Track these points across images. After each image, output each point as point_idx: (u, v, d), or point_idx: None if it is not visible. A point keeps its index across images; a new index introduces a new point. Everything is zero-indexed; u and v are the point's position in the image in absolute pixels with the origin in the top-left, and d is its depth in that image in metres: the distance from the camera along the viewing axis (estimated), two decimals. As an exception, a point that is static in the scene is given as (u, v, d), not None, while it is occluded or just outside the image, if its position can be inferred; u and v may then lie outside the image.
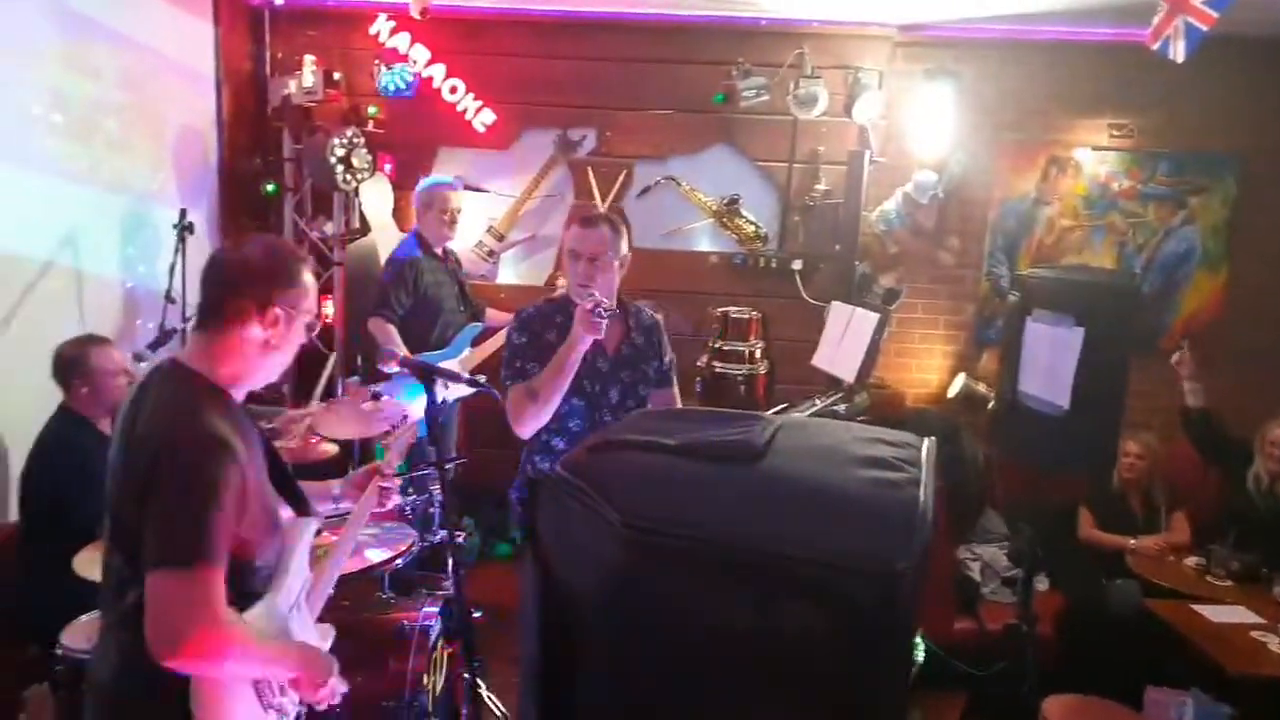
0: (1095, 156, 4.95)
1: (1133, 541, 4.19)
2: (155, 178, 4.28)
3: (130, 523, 1.70)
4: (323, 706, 2.03)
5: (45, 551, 3.00)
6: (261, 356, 1.88)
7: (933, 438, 1.54)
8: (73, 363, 3.12)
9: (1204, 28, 2.89)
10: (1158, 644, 3.63)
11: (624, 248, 2.85)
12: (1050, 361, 3.55)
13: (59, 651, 2.57)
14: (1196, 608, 3.55)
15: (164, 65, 4.32)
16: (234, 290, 1.85)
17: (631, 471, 1.32)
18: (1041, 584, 4.38)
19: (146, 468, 1.69)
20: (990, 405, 4.90)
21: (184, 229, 3.88)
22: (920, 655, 3.54)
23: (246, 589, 1.83)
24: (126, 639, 1.70)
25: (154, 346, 3.58)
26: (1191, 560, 4.02)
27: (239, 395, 1.90)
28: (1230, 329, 4.91)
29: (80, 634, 2.61)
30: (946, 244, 5.11)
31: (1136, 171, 4.94)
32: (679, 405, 2.95)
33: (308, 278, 1.93)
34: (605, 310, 2.65)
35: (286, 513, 2.06)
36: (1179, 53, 2.95)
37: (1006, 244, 5.10)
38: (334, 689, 2.00)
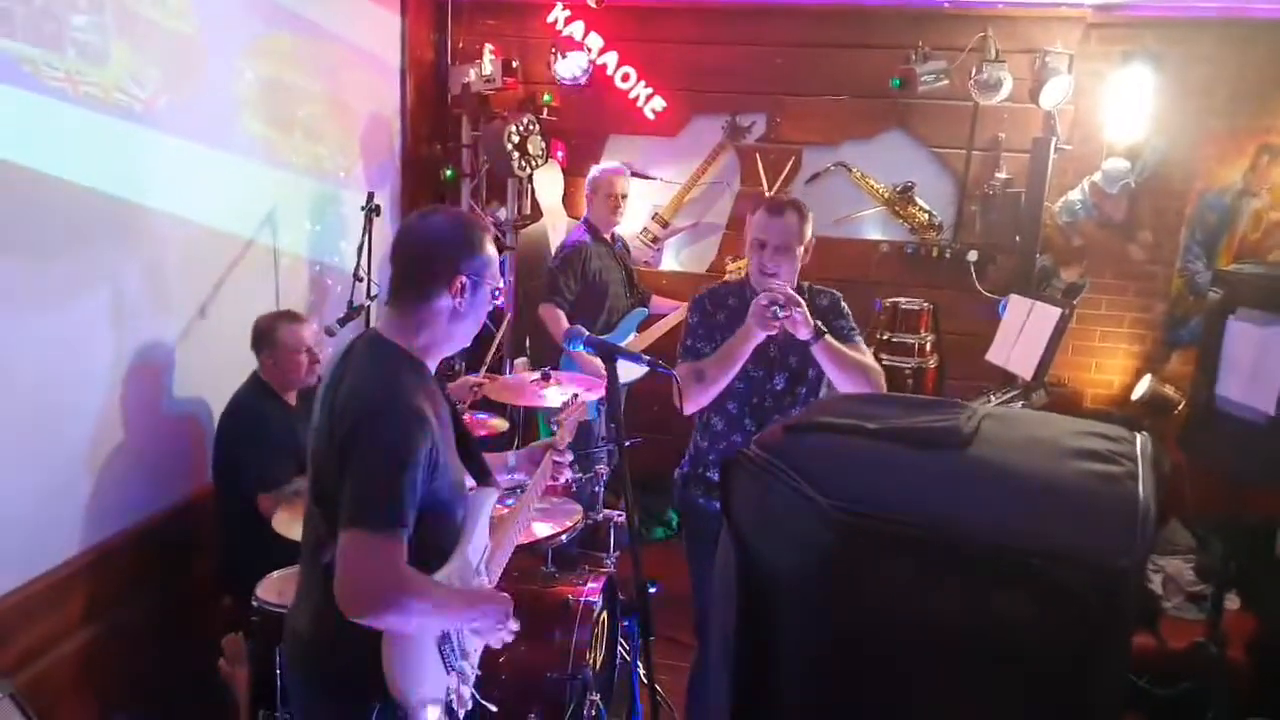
0: (1315, 145, 4.54)
1: (1343, 564, 3.86)
2: (345, 163, 4.50)
3: (329, 484, 1.80)
4: (499, 645, 2.08)
5: (232, 509, 3.24)
6: (451, 325, 1.94)
7: (1146, 433, 1.46)
8: (263, 334, 3.33)
9: None
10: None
11: (809, 234, 2.82)
12: (1256, 365, 3.30)
13: (254, 603, 2.74)
14: None
15: (356, 55, 4.54)
16: (422, 262, 1.93)
17: (833, 454, 1.30)
18: (1232, 603, 4.09)
19: (347, 433, 1.77)
20: (1179, 409, 4.60)
21: (371, 211, 4.05)
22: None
23: (433, 551, 1.90)
24: (322, 594, 1.78)
25: (343, 322, 3.76)
26: None
27: (432, 364, 1.97)
28: None
29: (273, 588, 2.77)
30: (1137, 237, 4.80)
31: (1366, 161, 4.51)
32: (868, 360, 2.87)
33: (490, 247, 1.99)
34: (782, 308, 2.62)
35: (469, 481, 2.15)
36: None
37: (1205, 239, 4.74)
38: (510, 628, 2.05)
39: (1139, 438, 1.41)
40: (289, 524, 2.73)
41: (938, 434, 1.31)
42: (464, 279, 1.91)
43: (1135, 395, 4.77)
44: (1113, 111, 4.58)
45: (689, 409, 2.75)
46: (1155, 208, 4.76)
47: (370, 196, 4.10)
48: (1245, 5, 4.35)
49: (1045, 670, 1.11)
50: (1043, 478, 1.23)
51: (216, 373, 3.48)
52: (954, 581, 1.11)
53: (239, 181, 3.69)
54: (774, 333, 2.67)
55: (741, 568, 1.27)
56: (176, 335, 3.38)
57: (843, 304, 2.97)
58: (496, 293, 2.03)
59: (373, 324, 4.02)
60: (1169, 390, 4.69)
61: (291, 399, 3.39)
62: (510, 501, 2.83)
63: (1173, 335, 4.86)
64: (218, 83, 3.52)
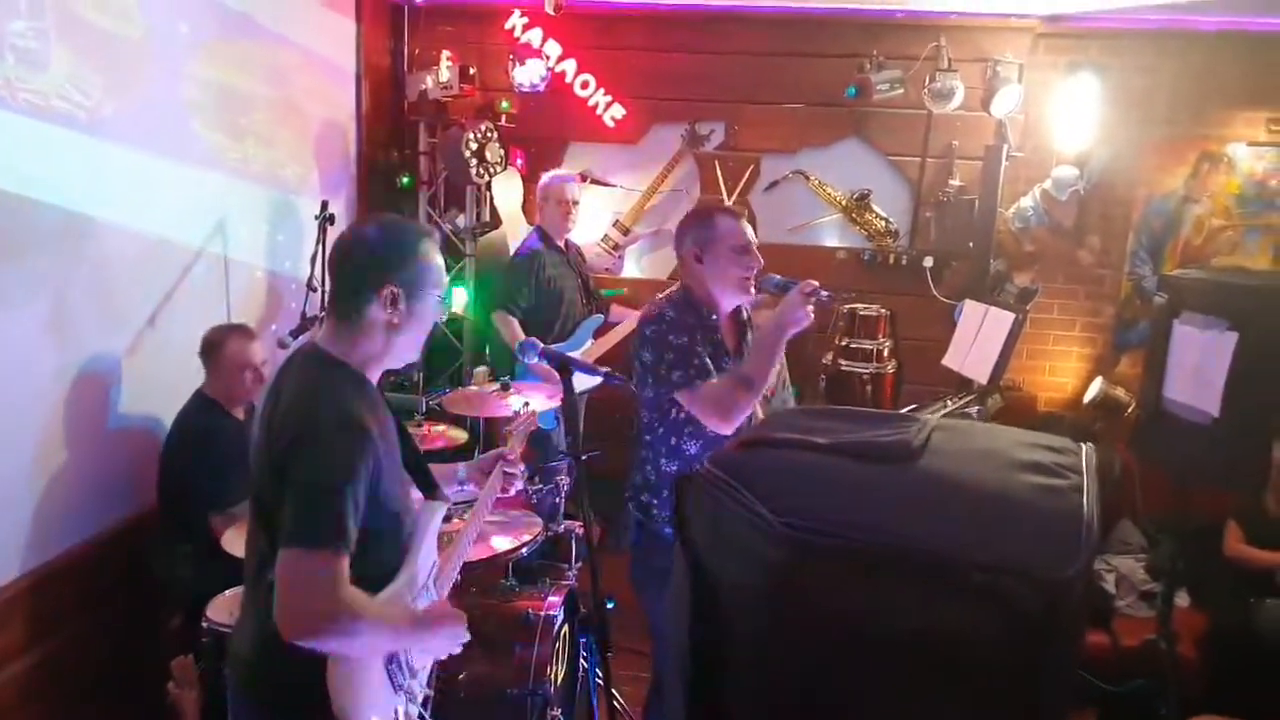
0: (1252, 152, 4.66)
1: (1286, 559, 3.96)
2: (299, 170, 4.44)
3: (271, 503, 1.75)
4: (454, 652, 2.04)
5: (181, 528, 3.17)
6: (389, 337, 1.88)
7: (1091, 444, 1.48)
8: (210, 347, 3.28)
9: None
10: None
11: None
12: (1199, 367, 3.37)
13: (204, 624, 2.69)
14: (1355, 633, 3.34)
15: (310, 61, 4.48)
16: (351, 273, 1.87)
17: (785, 470, 1.30)
18: (1182, 600, 4.17)
19: (285, 450, 1.73)
20: (1129, 411, 4.69)
21: (325, 220, 4.00)
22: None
23: (378, 569, 1.86)
24: (265, 613, 1.72)
25: (295, 334, 3.70)
26: (1350, 582, 3.78)
27: (373, 376, 1.92)
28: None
29: (224, 609, 2.72)
30: (1086, 243, 4.90)
31: (1298, 168, 4.64)
32: None
33: (431, 254, 1.91)
34: (826, 295, 2.62)
35: (416, 495, 2.10)
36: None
37: (1151, 244, 4.85)
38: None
39: (1084, 449, 1.44)
40: (238, 542, 2.68)
41: (887, 448, 1.33)
42: (394, 290, 1.84)
43: (1087, 398, 4.86)
44: (1061, 120, 4.67)
45: (735, 423, 2.62)
46: (1103, 214, 4.86)
47: (324, 205, 4.06)
48: (1182, 17, 4.46)
49: (993, 680, 1.12)
50: (990, 491, 1.24)
51: (166, 385, 3.42)
52: (903, 595, 1.13)
53: (189, 190, 3.62)
54: (810, 321, 2.63)
55: (695, 586, 1.27)
56: (124, 348, 3.31)
57: None
58: (441, 303, 1.97)
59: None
60: (1120, 392, 4.78)
61: (239, 413, 3.33)
62: (467, 515, 2.80)
63: (1122, 338, 4.96)
64: (166, 89, 3.46)
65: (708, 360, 2.65)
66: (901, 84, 4.66)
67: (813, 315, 2.60)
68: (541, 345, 2.30)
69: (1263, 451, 3.69)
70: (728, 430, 2.61)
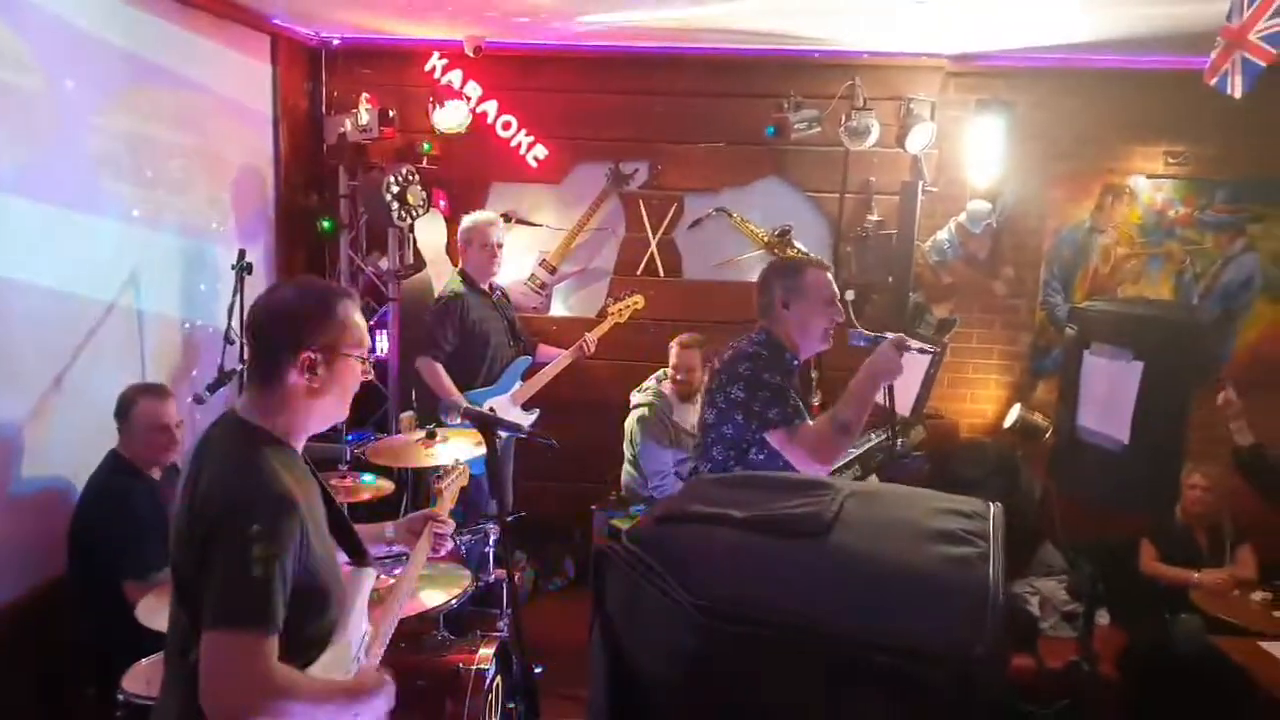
0: (1150, 184, 4.88)
1: (1196, 575, 4.11)
2: (215, 217, 4.36)
3: (192, 582, 1.69)
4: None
5: (96, 594, 3.05)
6: (309, 403, 1.84)
7: (999, 504, 1.52)
8: (121, 407, 3.19)
9: (1262, 64, 2.82)
10: (1225, 682, 3.55)
11: None
12: (1109, 396, 3.50)
13: (120, 696, 2.59)
14: (1264, 645, 3.48)
15: (224, 106, 4.41)
16: (266, 339, 1.83)
17: (701, 548, 1.32)
18: (1102, 618, 4.30)
19: (208, 528, 1.68)
20: (1047, 436, 4.83)
21: (243, 269, 3.92)
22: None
23: (308, 642, 1.81)
24: (187, 695, 1.66)
25: (213, 388, 3.62)
26: (1258, 595, 3.94)
27: (298, 444, 1.87)
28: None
29: (140, 678, 2.63)
30: (1001, 274, 5.05)
31: (1192, 199, 4.86)
32: None
33: (349, 314, 1.87)
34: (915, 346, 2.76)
35: (341, 558, 2.06)
36: (1236, 88, 2.87)
37: (1062, 273, 5.03)
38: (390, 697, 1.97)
39: (993, 510, 1.48)
40: (150, 612, 2.60)
41: (800, 521, 1.35)
42: (311, 354, 1.80)
43: (1006, 423, 5.00)
44: (973, 155, 4.82)
45: (832, 466, 2.75)
46: (1016, 245, 5.02)
47: (241, 254, 3.97)
48: (1078, 56, 4.65)
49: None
50: (899, 566, 1.27)
51: (79, 447, 3.31)
52: (815, 677, 1.14)
53: (97, 242, 3.53)
54: (902, 372, 2.75)
55: (611, 666, 1.27)
56: (28, 410, 3.20)
57: None
58: (364, 362, 1.92)
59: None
60: (1037, 418, 4.92)
61: (155, 473, 3.23)
62: (397, 570, 2.75)
63: (1038, 365, 5.12)
64: (71, 140, 3.38)
65: (799, 400, 2.74)
66: (819, 122, 4.75)
67: (904, 365, 2.73)
68: (465, 405, 2.28)
69: (1172, 474, 3.84)
70: (827, 469, 2.71)
